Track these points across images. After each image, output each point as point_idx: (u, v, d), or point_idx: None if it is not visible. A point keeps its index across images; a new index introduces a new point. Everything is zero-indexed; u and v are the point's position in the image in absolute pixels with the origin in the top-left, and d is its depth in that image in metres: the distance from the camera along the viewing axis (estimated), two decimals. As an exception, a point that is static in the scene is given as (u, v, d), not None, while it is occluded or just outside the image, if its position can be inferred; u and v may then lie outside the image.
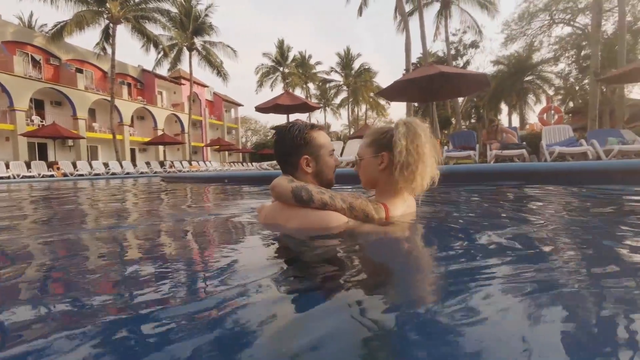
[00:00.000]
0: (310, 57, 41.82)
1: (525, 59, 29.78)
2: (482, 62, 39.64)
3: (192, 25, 26.17)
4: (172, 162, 23.22)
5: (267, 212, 1.54)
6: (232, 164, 29.23)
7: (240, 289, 0.80)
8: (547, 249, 1.12)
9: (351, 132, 45.59)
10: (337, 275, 0.91)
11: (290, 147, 1.45)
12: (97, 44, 22.32)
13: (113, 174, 17.22)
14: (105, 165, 18.71)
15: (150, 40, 22.95)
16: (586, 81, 26.50)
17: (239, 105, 43.03)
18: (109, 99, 21.69)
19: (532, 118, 34.77)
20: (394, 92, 10.02)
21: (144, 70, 29.68)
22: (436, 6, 25.36)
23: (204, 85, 36.77)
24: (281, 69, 39.78)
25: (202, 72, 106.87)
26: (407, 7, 20.69)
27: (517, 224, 1.56)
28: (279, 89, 39.90)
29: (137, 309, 0.73)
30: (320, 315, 0.66)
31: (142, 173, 18.22)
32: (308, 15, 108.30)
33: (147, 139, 26.85)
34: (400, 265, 1.03)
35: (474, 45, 29.78)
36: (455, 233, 1.42)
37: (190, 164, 23.25)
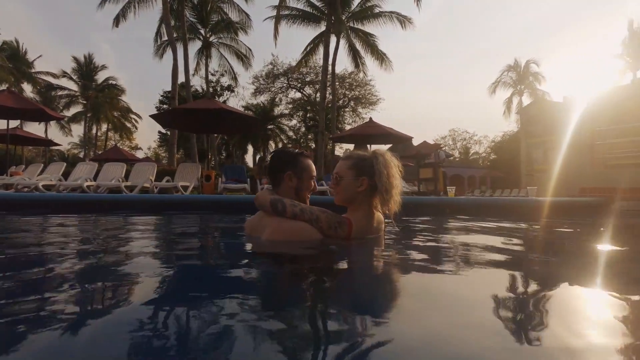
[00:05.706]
0: (26, 51, 32.53)
1: (269, 110, 35.53)
2: (235, 106, 43.63)
3: None
4: None
5: (250, 222, 1.90)
6: None
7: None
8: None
9: (85, 153, 37.85)
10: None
11: (280, 164, 1.78)
12: None
13: None
14: None
15: None
16: (310, 136, 34.61)
17: None
18: None
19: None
20: (170, 118, 9.70)
21: None
22: (199, 44, 26.31)
23: None
24: (-21, 55, 28.73)
25: None
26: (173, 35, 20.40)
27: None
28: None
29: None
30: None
31: None
32: (33, 5, 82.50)
33: None
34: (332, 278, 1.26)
35: (230, 89, 32.65)
36: (401, 253, 1.76)
37: None
